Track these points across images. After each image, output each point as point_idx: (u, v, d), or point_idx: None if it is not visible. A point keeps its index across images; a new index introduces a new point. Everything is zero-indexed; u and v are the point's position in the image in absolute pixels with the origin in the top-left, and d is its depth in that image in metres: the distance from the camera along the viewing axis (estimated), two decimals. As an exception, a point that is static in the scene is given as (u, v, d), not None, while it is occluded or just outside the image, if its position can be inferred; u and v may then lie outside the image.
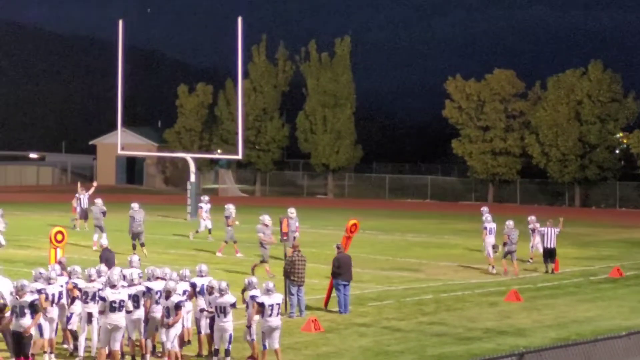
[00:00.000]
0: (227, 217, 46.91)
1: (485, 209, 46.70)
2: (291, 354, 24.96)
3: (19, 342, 23.05)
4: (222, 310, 24.15)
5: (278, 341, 24.45)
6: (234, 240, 46.21)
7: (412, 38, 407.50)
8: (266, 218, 40.91)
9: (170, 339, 23.69)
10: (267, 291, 24.47)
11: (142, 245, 45.91)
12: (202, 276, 26.11)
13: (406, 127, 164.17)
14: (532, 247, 46.07)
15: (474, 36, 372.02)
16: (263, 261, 38.91)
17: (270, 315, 24.26)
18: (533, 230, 45.87)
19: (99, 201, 50.01)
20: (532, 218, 46.86)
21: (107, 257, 31.00)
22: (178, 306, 23.64)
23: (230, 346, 24.17)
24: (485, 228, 43.57)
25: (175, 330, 23.77)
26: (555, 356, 16.84)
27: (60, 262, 27.13)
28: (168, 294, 23.89)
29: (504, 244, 42.53)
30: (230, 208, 47.46)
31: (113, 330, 23.31)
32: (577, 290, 38.41)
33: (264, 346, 24.26)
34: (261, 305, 24.26)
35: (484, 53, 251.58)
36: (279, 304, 24.63)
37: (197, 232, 52.76)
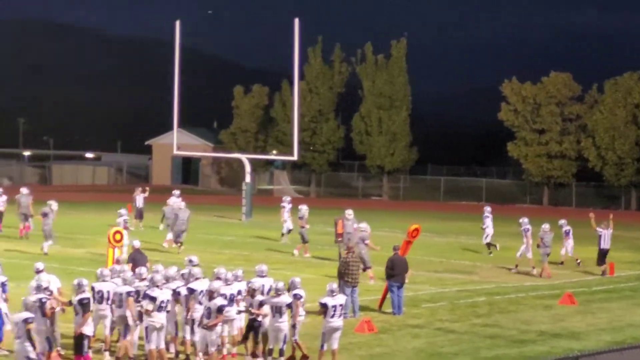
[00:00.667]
0: (300, 218, 47.08)
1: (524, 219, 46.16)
2: (345, 355, 25.00)
3: (74, 341, 23.29)
4: (278, 310, 24.22)
5: (337, 342, 24.48)
6: (306, 240, 46.53)
7: (468, 40, 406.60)
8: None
9: (206, 341, 23.54)
10: (331, 292, 24.51)
11: (181, 244, 46.58)
12: (262, 276, 26.13)
13: (461, 130, 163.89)
14: (564, 249, 45.96)
15: (530, 38, 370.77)
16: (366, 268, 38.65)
17: (333, 316, 24.29)
18: (567, 233, 45.59)
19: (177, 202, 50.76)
20: (563, 221, 46.45)
21: (135, 258, 30.74)
22: (220, 309, 23.41)
23: (284, 346, 24.27)
24: (527, 230, 43.57)
25: (215, 334, 23.56)
26: None
27: (118, 261, 27.35)
28: (211, 295, 23.72)
29: (538, 246, 42.78)
30: (303, 209, 47.66)
31: (160, 329, 23.39)
32: (633, 294, 38.17)
33: (322, 346, 24.30)
34: (324, 306, 24.29)
35: (541, 56, 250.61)
36: (341, 305, 24.66)
37: (282, 234, 52.34)
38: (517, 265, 43.49)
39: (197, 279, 25.34)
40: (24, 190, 53.47)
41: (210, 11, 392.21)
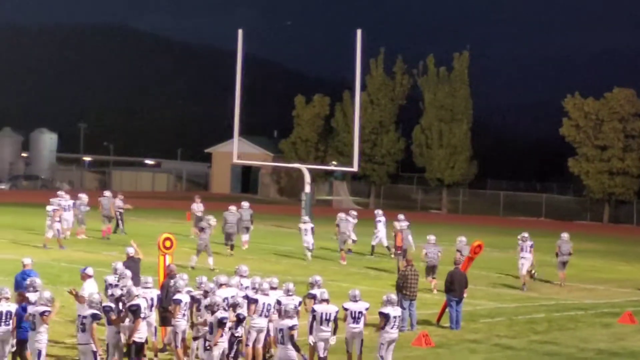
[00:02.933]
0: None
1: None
2: (403, 367, 24.98)
3: (128, 348, 23.41)
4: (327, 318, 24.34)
5: (392, 354, 24.46)
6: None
7: (531, 54, 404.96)
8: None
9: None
10: (391, 303, 24.48)
11: (232, 247, 48.36)
12: (319, 287, 26.14)
13: (522, 144, 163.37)
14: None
15: (594, 54, 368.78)
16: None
17: (392, 327, 24.28)
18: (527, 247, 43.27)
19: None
20: (525, 235, 45.19)
21: (129, 266, 30.14)
22: (221, 323, 22.87)
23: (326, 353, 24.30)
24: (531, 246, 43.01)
25: (218, 350, 22.96)
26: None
27: (169, 268, 27.40)
28: (212, 308, 23.16)
29: (556, 255, 43.84)
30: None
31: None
32: (695, 315, 37.87)
33: (381, 357, 24.26)
34: (386, 317, 24.28)
35: (603, 71, 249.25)
36: (400, 317, 24.71)
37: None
38: (524, 284, 42.25)
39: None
40: (107, 193, 54.91)
41: (289, 22, 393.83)
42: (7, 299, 22.65)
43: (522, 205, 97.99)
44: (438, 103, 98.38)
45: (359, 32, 64.86)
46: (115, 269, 27.06)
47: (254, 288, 25.76)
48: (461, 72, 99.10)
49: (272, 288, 26.05)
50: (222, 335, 22.68)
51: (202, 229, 44.96)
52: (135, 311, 23.13)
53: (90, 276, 25.91)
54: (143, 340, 23.46)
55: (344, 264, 47.19)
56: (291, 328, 22.78)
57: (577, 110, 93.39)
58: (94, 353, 22.04)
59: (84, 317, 22.26)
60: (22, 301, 23.17)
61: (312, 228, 49.70)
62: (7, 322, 22.38)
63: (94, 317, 22.18)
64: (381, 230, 51.87)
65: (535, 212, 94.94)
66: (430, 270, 39.45)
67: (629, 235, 74.59)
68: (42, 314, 22.31)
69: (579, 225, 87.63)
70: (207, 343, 22.88)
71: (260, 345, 25.32)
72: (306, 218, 52.00)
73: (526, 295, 40.56)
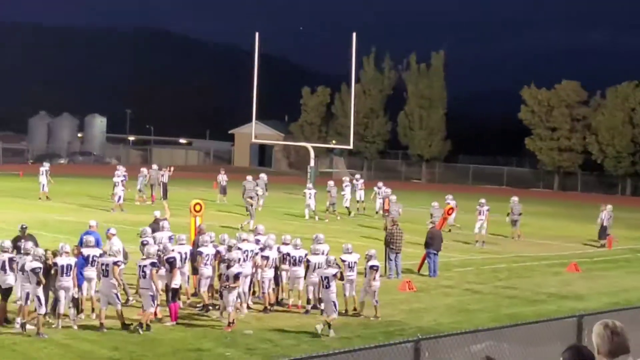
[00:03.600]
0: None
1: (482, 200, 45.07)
2: (389, 309, 25.03)
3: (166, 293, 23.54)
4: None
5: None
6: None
7: (494, 52, 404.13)
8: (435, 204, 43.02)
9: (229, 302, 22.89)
10: (369, 256, 24.67)
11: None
12: (320, 243, 26.15)
13: (488, 126, 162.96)
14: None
15: (546, 51, 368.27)
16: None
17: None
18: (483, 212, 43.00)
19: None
20: (482, 200, 44.43)
21: (153, 228, 28.84)
22: (236, 276, 22.87)
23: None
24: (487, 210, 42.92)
25: (233, 295, 22.82)
26: (609, 318, 16.64)
27: (199, 227, 27.44)
28: (228, 263, 23.16)
29: (508, 214, 44.94)
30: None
31: None
32: (627, 264, 38.01)
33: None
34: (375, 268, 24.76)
35: (554, 66, 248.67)
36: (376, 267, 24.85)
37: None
38: (477, 241, 41.82)
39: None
40: (154, 166, 56.84)
41: (302, 27, 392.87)
42: (67, 253, 22.67)
43: (487, 176, 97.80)
44: (419, 93, 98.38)
45: (354, 34, 64.69)
46: (143, 231, 26.83)
47: (264, 247, 25.65)
48: (438, 68, 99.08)
49: (285, 244, 26.08)
50: (235, 284, 22.72)
51: (251, 198, 45.25)
52: (171, 262, 23.22)
53: (114, 234, 25.77)
54: (178, 287, 23.56)
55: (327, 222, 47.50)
56: (335, 275, 23.30)
57: (533, 99, 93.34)
58: (152, 296, 22.18)
59: (144, 266, 22.38)
60: (78, 255, 23.25)
61: (314, 194, 49.86)
62: (68, 274, 22.40)
63: (153, 265, 22.36)
64: (347, 193, 53.32)
65: (498, 182, 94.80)
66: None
67: (575, 201, 74.54)
68: (114, 263, 22.50)
69: (534, 192, 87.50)
70: (223, 289, 22.95)
71: (270, 290, 25.35)
72: (310, 185, 52.12)
73: (491, 249, 40.63)
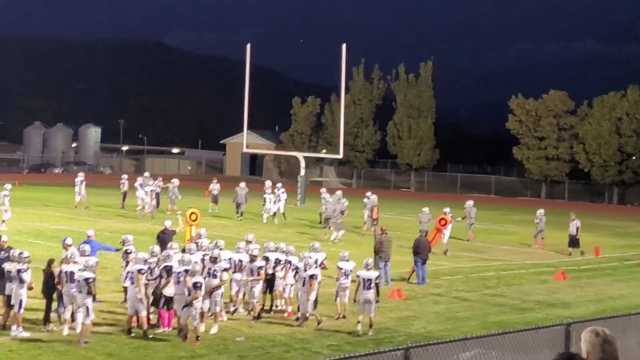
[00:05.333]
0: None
1: (470, 202, 47.28)
2: (379, 316, 24.89)
3: (155, 299, 23.39)
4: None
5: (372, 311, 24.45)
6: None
7: (482, 63, 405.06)
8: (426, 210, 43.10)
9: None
10: (366, 266, 24.42)
11: (241, 214, 51.47)
12: (316, 251, 26.02)
13: (476, 136, 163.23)
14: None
15: (533, 62, 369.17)
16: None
17: (365, 287, 24.29)
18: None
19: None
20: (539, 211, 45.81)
21: (161, 237, 29.52)
22: (196, 286, 21.98)
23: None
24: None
25: (194, 309, 22.04)
26: (597, 326, 16.57)
27: (192, 238, 27.30)
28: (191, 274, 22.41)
29: (464, 218, 46.25)
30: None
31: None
32: (614, 272, 37.94)
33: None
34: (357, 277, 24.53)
35: (542, 77, 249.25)
36: (372, 279, 24.49)
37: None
38: (446, 251, 40.30)
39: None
40: (147, 174, 56.02)
41: (302, 40, 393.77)
42: (75, 262, 22.65)
43: (475, 185, 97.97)
44: (407, 103, 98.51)
45: (344, 46, 64.78)
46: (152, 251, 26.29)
47: (254, 257, 25.34)
48: (426, 78, 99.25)
49: (284, 252, 25.86)
50: (197, 296, 21.99)
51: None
52: (168, 270, 23.11)
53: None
54: (172, 295, 23.37)
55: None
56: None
57: (520, 108, 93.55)
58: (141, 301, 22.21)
59: (131, 272, 22.54)
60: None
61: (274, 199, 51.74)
62: (73, 280, 22.25)
63: (139, 271, 22.37)
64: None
65: (486, 190, 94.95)
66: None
67: (562, 209, 74.50)
68: (139, 271, 22.52)
69: (522, 200, 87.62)
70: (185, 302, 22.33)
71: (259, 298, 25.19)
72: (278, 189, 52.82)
73: (479, 257, 40.58)
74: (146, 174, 56.84)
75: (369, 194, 50.52)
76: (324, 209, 49.41)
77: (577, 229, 42.49)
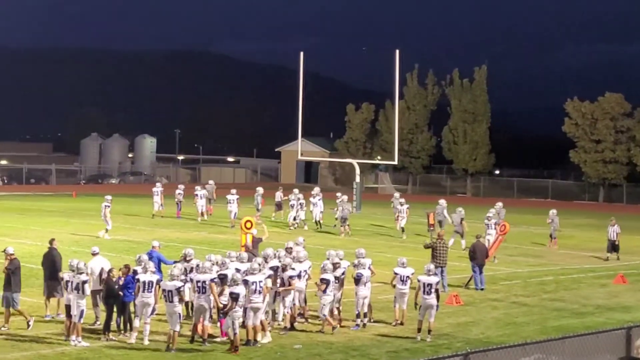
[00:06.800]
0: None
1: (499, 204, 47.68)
2: (436, 322, 24.82)
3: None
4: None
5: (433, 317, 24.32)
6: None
7: (537, 66, 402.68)
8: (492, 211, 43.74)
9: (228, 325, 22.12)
10: (427, 271, 24.29)
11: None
12: (362, 257, 25.97)
13: (532, 139, 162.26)
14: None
15: (589, 65, 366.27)
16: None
17: (427, 292, 24.14)
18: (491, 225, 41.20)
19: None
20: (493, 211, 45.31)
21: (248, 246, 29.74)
22: (232, 296, 21.90)
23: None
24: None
25: (231, 319, 21.83)
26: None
27: (246, 246, 27.38)
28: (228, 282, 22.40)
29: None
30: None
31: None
32: (674, 276, 37.51)
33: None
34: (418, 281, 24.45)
35: (597, 79, 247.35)
36: (433, 284, 24.27)
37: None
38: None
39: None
40: (211, 182, 58.23)
41: (365, 48, 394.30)
42: (152, 272, 22.92)
43: (531, 189, 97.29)
44: (462, 108, 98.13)
45: (397, 52, 64.78)
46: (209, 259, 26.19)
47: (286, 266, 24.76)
48: (481, 83, 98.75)
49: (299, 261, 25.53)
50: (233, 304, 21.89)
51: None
52: (222, 279, 23.07)
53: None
54: (226, 303, 23.35)
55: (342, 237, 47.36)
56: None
57: (576, 111, 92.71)
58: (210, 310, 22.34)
59: (204, 281, 22.59)
60: (126, 274, 23.21)
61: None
62: (149, 290, 22.49)
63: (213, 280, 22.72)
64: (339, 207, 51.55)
65: (543, 195, 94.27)
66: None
67: (620, 212, 73.79)
68: (212, 280, 22.69)
69: (579, 204, 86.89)
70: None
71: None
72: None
73: (537, 262, 40.32)
74: (211, 182, 57.74)
75: (396, 194, 51.79)
76: (340, 210, 50.14)
77: (617, 234, 41.95)
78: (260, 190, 54.28)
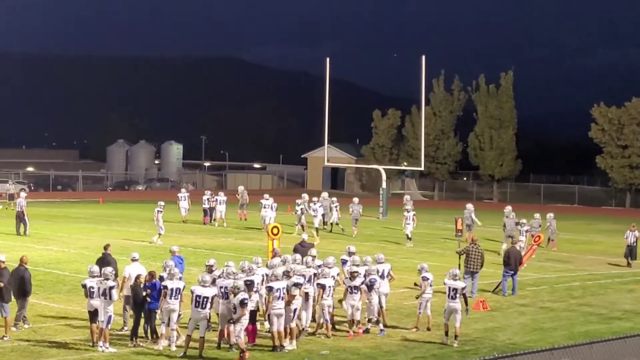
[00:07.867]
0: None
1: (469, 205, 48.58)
2: (463, 327, 24.79)
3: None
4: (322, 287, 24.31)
5: (459, 322, 24.21)
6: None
7: (563, 72, 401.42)
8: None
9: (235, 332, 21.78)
10: (454, 276, 24.22)
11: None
12: (382, 262, 25.98)
13: (558, 145, 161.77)
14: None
15: (616, 70, 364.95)
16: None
17: (452, 297, 24.09)
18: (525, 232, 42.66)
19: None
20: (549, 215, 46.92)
21: (296, 248, 29.73)
22: (242, 303, 21.65)
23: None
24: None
25: (241, 325, 21.70)
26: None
27: (274, 251, 27.44)
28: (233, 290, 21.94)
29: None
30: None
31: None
32: (702, 281, 37.32)
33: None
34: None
35: (624, 84, 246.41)
36: (460, 289, 24.17)
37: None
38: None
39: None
40: (241, 187, 59.87)
41: (395, 54, 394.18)
42: (180, 278, 22.91)
43: (558, 195, 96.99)
44: (488, 114, 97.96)
45: (423, 58, 64.80)
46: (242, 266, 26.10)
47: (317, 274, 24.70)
48: (507, 88, 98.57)
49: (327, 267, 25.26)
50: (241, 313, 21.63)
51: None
52: (249, 285, 22.99)
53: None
54: (255, 308, 23.38)
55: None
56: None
57: (602, 117, 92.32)
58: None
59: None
60: (152, 279, 23.22)
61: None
62: (176, 296, 22.50)
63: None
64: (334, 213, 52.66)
65: (570, 200, 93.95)
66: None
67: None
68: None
69: (606, 210, 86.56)
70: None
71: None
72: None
73: (564, 267, 40.21)
74: (241, 187, 58.26)
75: (406, 197, 52.20)
76: (351, 211, 51.20)
77: (637, 239, 41.79)
78: (305, 197, 53.24)
